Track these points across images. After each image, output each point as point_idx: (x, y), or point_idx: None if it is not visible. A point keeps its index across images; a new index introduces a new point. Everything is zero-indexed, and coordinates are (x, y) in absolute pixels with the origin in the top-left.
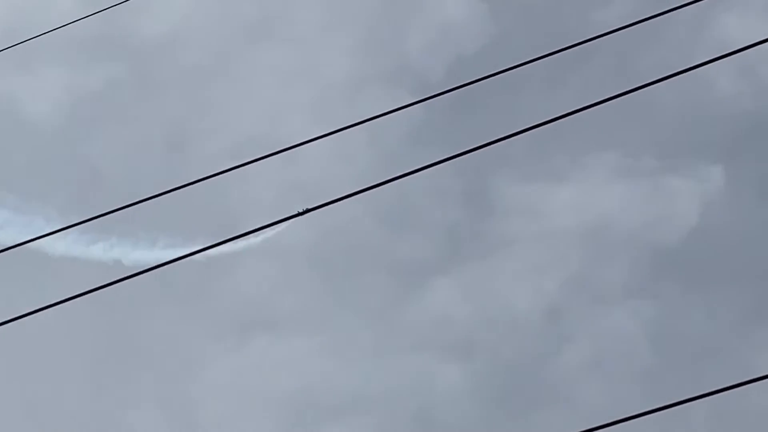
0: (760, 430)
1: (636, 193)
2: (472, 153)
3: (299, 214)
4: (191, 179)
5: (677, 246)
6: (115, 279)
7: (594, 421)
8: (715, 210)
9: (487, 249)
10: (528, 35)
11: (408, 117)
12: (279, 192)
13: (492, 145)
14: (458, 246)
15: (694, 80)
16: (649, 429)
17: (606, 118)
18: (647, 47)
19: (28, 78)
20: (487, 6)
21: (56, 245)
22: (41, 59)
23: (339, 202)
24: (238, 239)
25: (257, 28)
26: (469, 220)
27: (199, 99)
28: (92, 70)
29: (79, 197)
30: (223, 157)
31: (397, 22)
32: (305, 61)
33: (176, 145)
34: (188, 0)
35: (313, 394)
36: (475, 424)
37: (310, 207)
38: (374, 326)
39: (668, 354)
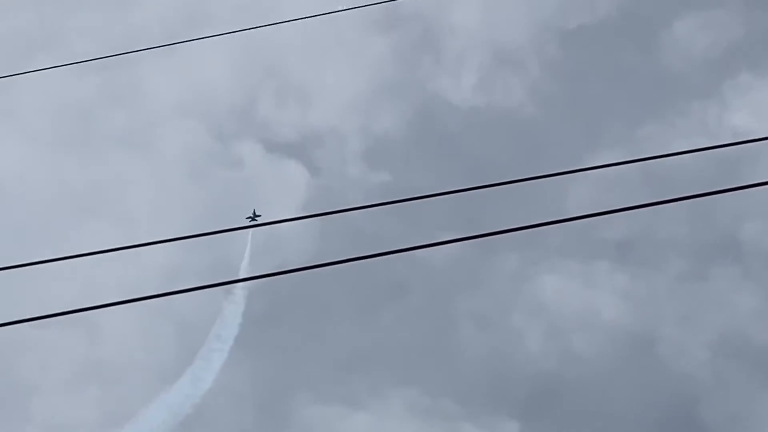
0: None
1: None
2: (275, 366)
3: (251, 218)
4: None
5: None
6: None
7: None
8: None
9: None
10: (347, 257)
11: (215, 318)
12: (75, 368)
13: (296, 364)
14: None
15: (505, 335)
16: None
17: (414, 355)
18: (468, 292)
19: None
20: (319, 227)
21: None
22: None
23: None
24: None
25: (85, 199)
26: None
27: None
28: None
29: None
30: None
31: (227, 228)
32: (126, 240)
33: None
34: (22, 164)
35: None
36: None
37: (256, 216)
38: None
39: None
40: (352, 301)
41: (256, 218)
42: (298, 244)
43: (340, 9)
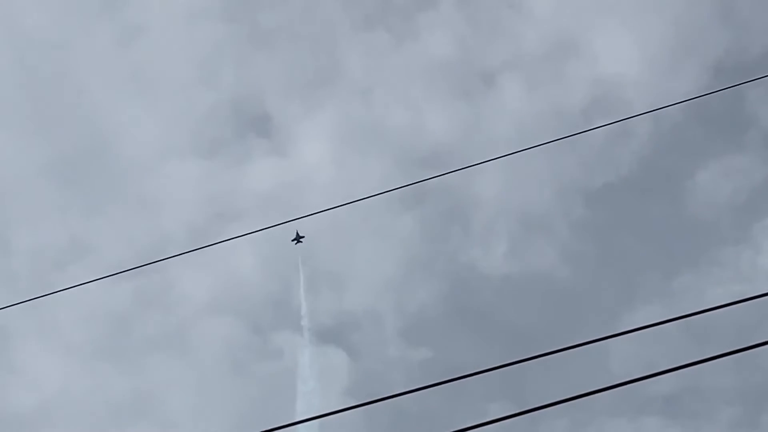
0: None
1: None
2: None
3: (296, 240)
4: None
5: None
6: None
7: None
8: None
9: None
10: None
11: None
12: None
13: None
14: None
15: None
16: None
17: None
18: None
19: None
20: (364, 409)
21: None
22: None
23: None
24: None
25: (128, 407)
26: None
27: None
28: None
29: None
30: None
31: (269, 407)
32: None
33: None
34: (64, 377)
35: None
36: None
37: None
38: None
39: None
40: None
41: (300, 239)
42: (343, 427)
43: (368, 195)
